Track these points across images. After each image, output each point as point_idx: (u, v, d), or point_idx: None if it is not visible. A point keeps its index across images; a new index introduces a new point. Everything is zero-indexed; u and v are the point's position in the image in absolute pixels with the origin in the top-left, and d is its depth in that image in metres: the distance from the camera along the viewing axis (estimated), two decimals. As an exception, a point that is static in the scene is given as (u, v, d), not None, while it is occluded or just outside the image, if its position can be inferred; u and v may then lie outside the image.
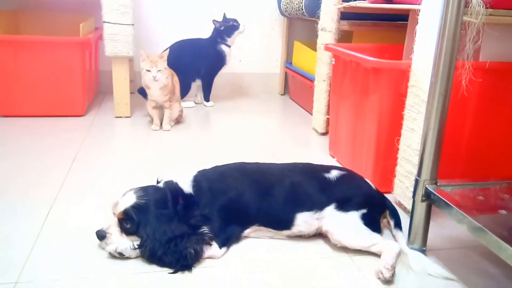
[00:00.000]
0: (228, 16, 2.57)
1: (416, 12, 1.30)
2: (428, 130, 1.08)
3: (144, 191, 1.14)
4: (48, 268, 1.04)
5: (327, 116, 2.09)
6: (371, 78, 1.45)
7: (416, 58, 1.28)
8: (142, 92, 2.30)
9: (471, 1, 1.12)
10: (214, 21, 2.53)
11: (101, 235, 1.11)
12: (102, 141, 1.95)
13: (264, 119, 2.46)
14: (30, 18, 2.53)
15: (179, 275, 1.04)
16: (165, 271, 1.05)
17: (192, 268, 1.06)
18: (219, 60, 2.58)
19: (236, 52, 2.96)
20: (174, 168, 1.69)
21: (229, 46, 2.58)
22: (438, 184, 1.10)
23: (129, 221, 1.10)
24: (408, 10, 1.58)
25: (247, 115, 2.49)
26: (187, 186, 1.18)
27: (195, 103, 2.66)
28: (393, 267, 1.05)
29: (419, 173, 1.12)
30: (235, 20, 2.54)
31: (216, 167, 1.28)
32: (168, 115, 2.14)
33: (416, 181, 1.12)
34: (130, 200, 1.11)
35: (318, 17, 2.12)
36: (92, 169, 1.64)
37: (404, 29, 1.71)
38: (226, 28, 2.53)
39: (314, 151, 1.97)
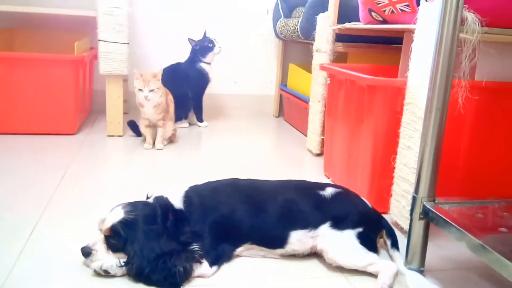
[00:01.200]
0: (208, 35, 2.55)
1: (411, 31, 1.30)
2: (426, 146, 1.05)
3: (133, 206, 1.10)
4: (30, 285, 0.99)
5: (322, 137, 2.07)
6: (366, 96, 1.44)
7: (412, 75, 1.27)
8: (132, 126, 2.27)
9: (466, 19, 1.12)
10: (189, 39, 2.53)
11: (87, 252, 1.06)
12: (93, 159, 1.91)
13: (258, 140, 2.44)
14: (25, 36, 2.53)
15: (167, 294, 0.99)
16: (153, 289, 1.00)
17: (181, 287, 1.01)
18: (202, 79, 2.56)
19: (231, 74, 2.97)
20: (166, 187, 1.65)
21: (209, 64, 2.56)
22: (436, 201, 1.08)
23: (116, 237, 1.05)
24: (403, 31, 1.59)
25: (241, 136, 2.47)
26: (177, 202, 1.14)
27: (189, 124, 2.64)
28: (391, 287, 1.01)
29: (416, 190, 1.09)
30: (211, 41, 2.53)
31: (208, 182, 1.25)
32: (161, 134, 2.11)
33: (414, 199, 1.09)
34: (117, 215, 1.07)
35: (313, 39, 2.13)
36: (81, 186, 1.59)
37: (398, 52, 1.72)
38: (201, 48, 2.52)
39: (309, 171, 1.94)
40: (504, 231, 0.97)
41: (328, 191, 1.21)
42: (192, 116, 2.65)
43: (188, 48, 2.58)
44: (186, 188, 1.20)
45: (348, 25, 1.89)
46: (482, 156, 1.39)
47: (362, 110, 1.48)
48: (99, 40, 2.11)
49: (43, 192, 1.51)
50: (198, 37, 2.56)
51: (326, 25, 2.01)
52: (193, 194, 1.17)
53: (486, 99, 1.32)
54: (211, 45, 2.53)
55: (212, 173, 1.85)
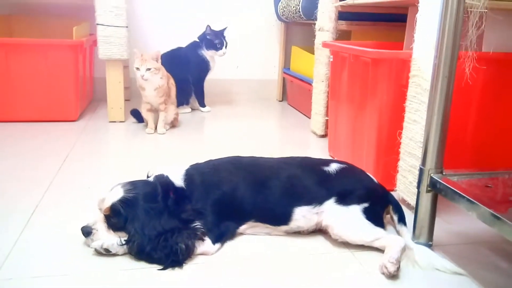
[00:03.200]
0: (225, 34, 2.50)
1: (415, 3, 1.25)
2: (433, 115, 1.02)
3: (132, 185, 1.07)
4: (30, 265, 0.97)
5: (326, 118, 2.03)
6: (371, 71, 1.40)
7: (418, 46, 1.23)
8: (135, 114, 2.24)
9: (473, -16, 1.08)
10: (208, 26, 2.49)
11: (87, 231, 1.04)
12: (94, 144, 1.89)
13: (262, 124, 2.41)
14: (24, 23, 2.50)
15: (169, 272, 0.97)
16: (154, 267, 0.98)
17: (183, 264, 0.99)
18: (203, 66, 2.53)
19: (233, 58, 2.93)
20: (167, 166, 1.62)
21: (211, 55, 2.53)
22: (444, 173, 1.04)
23: (116, 216, 1.03)
24: (407, 7, 1.55)
25: (244, 121, 2.44)
26: (178, 180, 1.12)
27: (191, 109, 2.61)
28: (398, 261, 0.98)
29: (423, 162, 1.06)
30: (222, 43, 2.48)
31: (210, 160, 1.22)
32: (163, 118, 2.08)
33: (421, 171, 1.06)
34: (117, 194, 1.05)
35: (315, 19, 2.09)
36: (82, 170, 1.57)
37: (402, 29, 1.67)
38: (210, 41, 2.48)
39: (313, 152, 1.91)
40: (515, 200, 0.93)
41: (333, 167, 1.18)
42: (194, 102, 2.61)
43: (190, 33, 2.54)
44: (187, 166, 1.17)
45: (350, 1, 1.84)
46: (490, 127, 1.35)
47: (367, 86, 1.44)
48: (98, 24, 2.07)
49: (44, 175, 1.49)
50: (196, 20, 2.51)
51: (329, 2, 1.96)
52: (194, 172, 1.14)
53: (494, 69, 1.28)
54: (219, 46, 2.48)
55: (216, 156, 1.82)
